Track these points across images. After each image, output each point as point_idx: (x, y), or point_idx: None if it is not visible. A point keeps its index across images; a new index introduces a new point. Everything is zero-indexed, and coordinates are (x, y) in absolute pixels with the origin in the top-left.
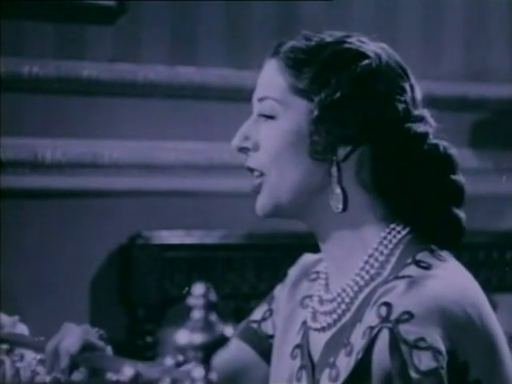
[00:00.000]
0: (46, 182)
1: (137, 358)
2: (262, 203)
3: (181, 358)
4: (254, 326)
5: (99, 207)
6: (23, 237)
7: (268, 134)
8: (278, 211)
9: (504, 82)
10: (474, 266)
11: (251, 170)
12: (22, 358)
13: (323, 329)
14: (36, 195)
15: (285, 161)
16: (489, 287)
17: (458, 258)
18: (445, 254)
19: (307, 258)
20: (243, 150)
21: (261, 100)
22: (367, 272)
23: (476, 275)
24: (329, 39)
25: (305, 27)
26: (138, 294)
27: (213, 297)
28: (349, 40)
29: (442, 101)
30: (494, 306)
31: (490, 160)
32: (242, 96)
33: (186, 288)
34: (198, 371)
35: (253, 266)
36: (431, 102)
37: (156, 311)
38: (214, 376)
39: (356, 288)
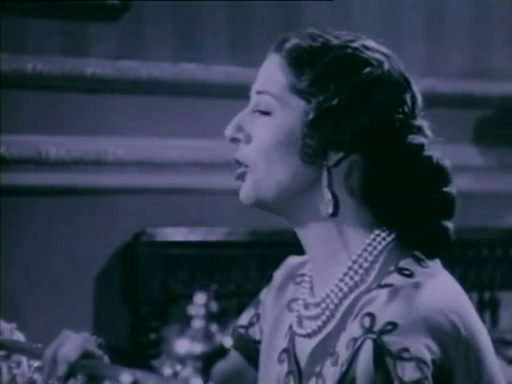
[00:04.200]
0: (49, 179)
1: (141, 355)
2: (246, 193)
3: (179, 367)
4: (242, 331)
5: (103, 204)
6: (27, 234)
7: (261, 128)
8: (261, 204)
9: (508, 80)
10: (477, 264)
11: (239, 162)
12: (18, 364)
13: (309, 335)
14: (40, 193)
15: (274, 159)
16: (493, 285)
17: (462, 255)
18: (430, 260)
19: (292, 260)
20: (235, 140)
21: (259, 93)
22: (351, 278)
23: (480, 272)
24: (334, 42)
25: (308, 25)
26: (141, 292)
27: (214, 307)
28: (353, 45)
29: (445, 98)
30: (498, 303)
31: (494, 157)
32: (246, 93)
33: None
34: (196, 381)
35: (257, 263)
36: (435, 99)
37: (160, 308)
38: None
39: (340, 294)
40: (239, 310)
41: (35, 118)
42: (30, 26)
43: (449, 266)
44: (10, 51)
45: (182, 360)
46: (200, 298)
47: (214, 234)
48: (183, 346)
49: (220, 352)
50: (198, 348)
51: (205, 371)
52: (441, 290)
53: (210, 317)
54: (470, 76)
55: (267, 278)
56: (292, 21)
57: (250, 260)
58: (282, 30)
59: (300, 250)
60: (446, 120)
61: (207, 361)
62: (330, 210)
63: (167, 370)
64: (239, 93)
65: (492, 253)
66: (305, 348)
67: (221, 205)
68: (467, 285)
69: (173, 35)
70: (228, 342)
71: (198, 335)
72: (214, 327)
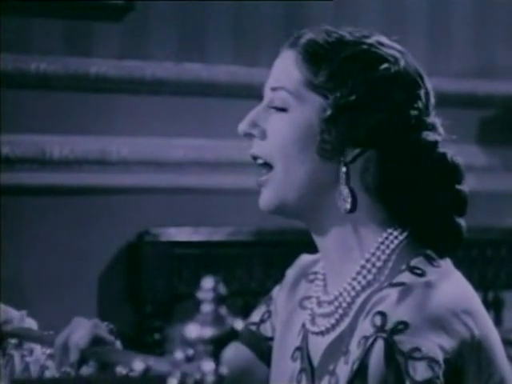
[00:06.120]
0: (54, 178)
1: (145, 354)
2: (267, 198)
3: (191, 352)
4: (253, 328)
5: (107, 204)
6: (30, 233)
7: (277, 124)
8: (283, 208)
9: None
10: (482, 263)
11: (255, 157)
12: (31, 352)
13: (322, 333)
14: (44, 192)
15: (291, 154)
16: (497, 284)
17: (466, 254)
18: (441, 259)
19: (305, 258)
20: (249, 136)
21: (274, 90)
22: (364, 277)
23: (484, 272)
24: (348, 37)
25: (312, 25)
26: (146, 291)
27: (222, 290)
28: (368, 41)
29: (449, 97)
30: (502, 303)
31: (498, 157)
32: (250, 93)
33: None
34: (208, 365)
35: (261, 262)
36: (439, 98)
37: (164, 308)
38: (224, 370)
39: (353, 293)
40: (244, 310)
41: (39, 117)
42: (34, 26)
43: (453, 265)
44: (14, 51)
45: (193, 344)
46: (208, 282)
47: (218, 234)
48: (193, 330)
49: (231, 335)
50: (209, 332)
51: (216, 355)
52: (452, 289)
53: (219, 300)
54: (474, 75)
55: (272, 277)
56: (296, 20)
57: (254, 259)
58: (286, 29)
59: (304, 249)
60: (450, 119)
61: (218, 344)
62: (349, 206)
63: (179, 355)
64: (243, 92)
65: (496, 252)
66: (318, 346)
67: (225, 204)
68: (471, 284)
69: (177, 35)
70: (239, 324)
71: (207, 319)
72: (223, 310)
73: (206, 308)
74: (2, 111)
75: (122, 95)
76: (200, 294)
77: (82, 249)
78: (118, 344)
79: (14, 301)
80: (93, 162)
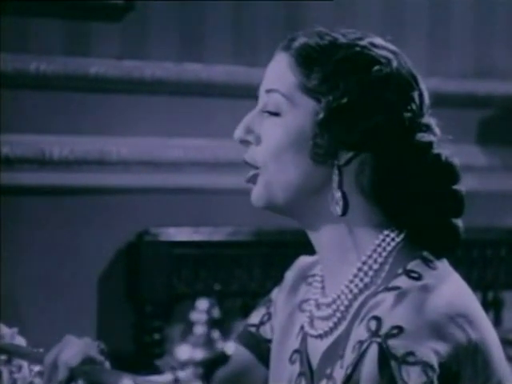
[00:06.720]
0: (53, 178)
1: (144, 354)
2: (257, 195)
3: (180, 374)
4: (252, 329)
5: (107, 204)
6: (30, 233)
7: (271, 129)
8: (272, 206)
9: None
10: (481, 263)
11: (248, 164)
12: (19, 369)
13: (320, 336)
14: (43, 192)
15: (284, 159)
16: (496, 284)
17: (466, 254)
18: (438, 260)
19: (304, 260)
20: (245, 142)
21: (268, 92)
22: (361, 280)
23: (484, 272)
24: (341, 40)
25: (311, 25)
26: (145, 291)
27: (216, 313)
28: (361, 43)
29: (449, 98)
30: (501, 303)
31: (498, 157)
32: (249, 93)
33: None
34: None
35: (260, 262)
36: (438, 99)
37: (164, 308)
38: None
39: (350, 296)
40: (243, 310)
41: (38, 117)
42: (34, 26)
43: (453, 265)
44: (13, 51)
45: (184, 366)
46: (202, 303)
47: (218, 234)
48: (185, 352)
49: (221, 358)
50: (200, 354)
51: (206, 377)
52: (449, 292)
53: (212, 323)
54: (474, 76)
55: (271, 278)
56: (295, 21)
57: (253, 260)
58: (285, 30)
59: (304, 250)
60: (450, 120)
61: (208, 367)
62: (340, 210)
63: (168, 376)
64: (242, 93)
65: (496, 252)
66: (317, 349)
67: (224, 204)
68: (471, 284)
69: (176, 35)
70: (230, 348)
71: (199, 341)
72: (215, 334)
73: (199, 330)
74: (1, 111)
75: (122, 95)
76: (193, 316)
77: (82, 248)
78: (108, 364)
79: (13, 300)
80: (92, 162)
